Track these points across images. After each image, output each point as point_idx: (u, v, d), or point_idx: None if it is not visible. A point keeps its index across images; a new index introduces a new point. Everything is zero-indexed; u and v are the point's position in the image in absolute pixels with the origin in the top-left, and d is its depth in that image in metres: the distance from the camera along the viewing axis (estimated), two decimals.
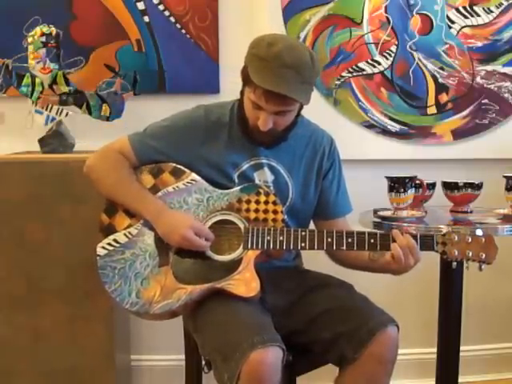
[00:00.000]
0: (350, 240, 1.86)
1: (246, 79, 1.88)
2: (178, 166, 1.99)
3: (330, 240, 1.87)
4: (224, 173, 1.99)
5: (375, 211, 2.38)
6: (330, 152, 2.08)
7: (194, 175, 1.99)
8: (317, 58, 1.88)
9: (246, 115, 1.94)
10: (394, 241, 1.84)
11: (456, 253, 1.83)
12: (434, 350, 2.46)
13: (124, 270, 1.94)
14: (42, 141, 2.52)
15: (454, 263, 1.85)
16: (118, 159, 2.01)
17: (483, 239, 1.83)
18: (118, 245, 1.97)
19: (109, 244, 1.97)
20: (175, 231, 1.89)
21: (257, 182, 1.99)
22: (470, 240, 1.83)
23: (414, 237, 1.85)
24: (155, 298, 1.89)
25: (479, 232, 1.85)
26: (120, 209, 2.00)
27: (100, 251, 1.97)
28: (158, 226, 1.93)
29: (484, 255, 1.82)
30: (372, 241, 1.85)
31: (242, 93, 1.95)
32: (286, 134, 1.97)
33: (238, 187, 1.97)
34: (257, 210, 1.94)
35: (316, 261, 2.11)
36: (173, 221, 1.91)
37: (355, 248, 1.86)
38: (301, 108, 1.95)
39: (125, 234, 1.98)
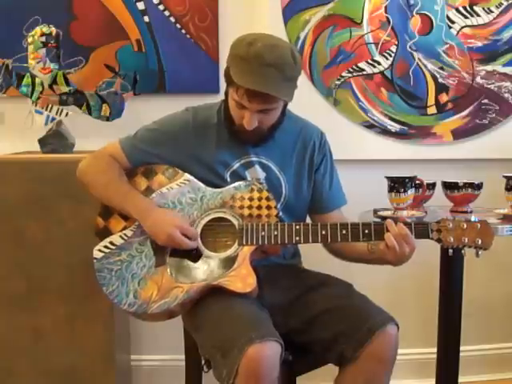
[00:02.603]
0: (344, 232, 1.87)
1: (229, 80, 1.90)
2: (171, 167, 2.02)
3: (324, 233, 1.88)
4: (216, 172, 2.00)
5: (375, 211, 2.38)
6: (320, 145, 2.09)
7: (186, 175, 2.00)
8: (298, 55, 1.90)
9: (231, 115, 1.96)
10: (388, 231, 1.84)
11: (451, 239, 1.82)
12: (434, 350, 2.46)
13: (121, 271, 1.95)
14: (42, 141, 2.52)
15: (451, 250, 1.85)
16: (108, 162, 2.03)
17: (478, 225, 1.82)
18: (114, 247, 1.98)
19: (105, 247, 1.98)
20: (161, 230, 1.90)
21: (249, 179, 2.00)
22: (465, 226, 1.82)
23: (409, 225, 1.85)
24: (153, 297, 1.89)
25: (474, 218, 1.84)
26: (115, 212, 2.01)
27: (97, 254, 1.98)
28: (146, 226, 1.94)
29: (480, 241, 1.81)
30: (366, 231, 1.86)
31: (226, 93, 1.97)
32: (272, 132, 1.99)
33: (231, 185, 1.98)
34: (250, 207, 1.95)
35: (315, 260, 2.11)
36: (159, 220, 1.92)
37: (350, 239, 1.87)
38: (285, 105, 1.97)
39: (120, 236, 1.98)
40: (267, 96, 1.83)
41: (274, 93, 1.83)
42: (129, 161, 2.04)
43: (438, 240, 1.84)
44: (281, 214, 1.99)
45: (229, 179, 2.00)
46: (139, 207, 1.96)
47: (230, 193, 1.97)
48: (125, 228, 1.99)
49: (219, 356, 1.75)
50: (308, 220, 2.12)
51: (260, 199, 1.95)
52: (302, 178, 2.06)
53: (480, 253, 1.82)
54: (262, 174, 2.02)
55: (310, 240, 1.89)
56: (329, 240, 1.89)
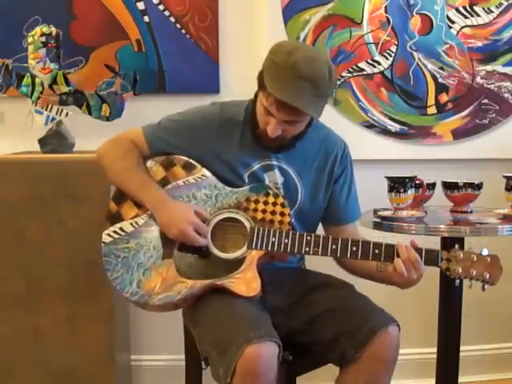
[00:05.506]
0: (354, 248, 1.85)
1: (261, 84, 1.87)
2: (190, 161, 2.00)
3: (334, 247, 1.86)
4: (235, 171, 1.99)
5: (375, 211, 2.38)
6: (342, 157, 2.07)
7: (204, 171, 1.99)
8: (334, 72, 1.86)
9: (256, 117, 1.94)
10: (398, 254, 1.82)
11: (460, 270, 1.80)
12: (434, 350, 2.46)
13: (127, 259, 1.94)
14: (42, 141, 2.52)
15: (457, 281, 1.83)
16: (128, 148, 2.02)
17: (488, 259, 1.80)
18: (123, 233, 1.97)
19: (114, 232, 1.97)
20: (174, 225, 1.90)
21: (267, 183, 1.99)
22: (475, 259, 1.80)
23: (419, 251, 1.83)
24: (156, 289, 1.89)
25: (485, 251, 1.82)
26: (128, 198, 2.00)
27: (105, 238, 1.97)
28: (158, 217, 1.94)
29: (488, 275, 1.79)
30: (376, 251, 1.84)
31: (256, 95, 1.94)
32: (295, 142, 1.96)
33: (248, 186, 1.97)
34: (264, 211, 1.93)
35: (317, 261, 2.10)
36: (173, 213, 1.91)
37: (359, 257, 1.85)
38: (312, 119, 1.93)
39: (131, 224, 1.98)
40: (296, 109, 1.80)
41: (303, 108, 1.80)
42: (149, 148, 2.02)
43: (447, 269, 1.82)
44: (293, 219, 1.98)
45: (247, 180, 1.98)
46: (154, 198, 1.95)
47: (245, 194, 1.95)
48: (137, 215, 1.98)
49: (215, 354, 1.75)
50: (319, 230, 2.10)
51: (275, 204, 1.93)
52: (319, 186, 2.04)
53: (486, 287, 1.81)
54: (280, 179, 2.00)
55: (320, 253, 1.87)
56: (338, 255, 1.87)
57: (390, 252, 1.84)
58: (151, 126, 2.05)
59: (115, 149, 2.04)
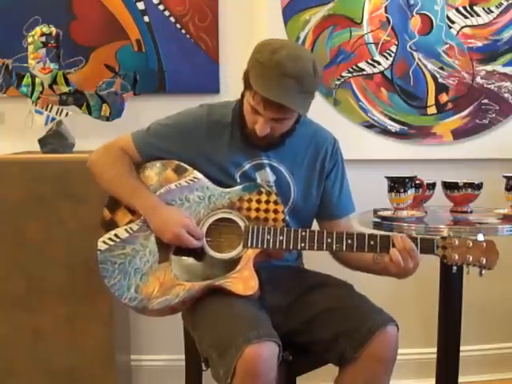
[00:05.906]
0: (349, 241, 1.86)
1: (247, 84, 1.88)
2: (181, 164, 2.01)
3: (329, 241, 1.87)
4: (226, 172, 1.99)
5: (375, 211, 2.38)
6: (332, 152, 2.08)
7: (196, 173, 2.00)
8: (320, 68, 1.87)
9: (244, 117, 1.95)
10: (394, 244, 1.83)
11: (456, 257, 1.81)
12: (434, 350, 2.46)
13: (124, 265, 1.95)
14: (42, 141, 2.52)
15: (454, 267, 1.84)
16: (119, 155, 2.03)
17: (484, 244, 1.81)
18: (118, 240, 1.97)
19: (110, 239, 1.98)
20: (168, 228, 1.91)
21: (258, 181, 2.00)
22: (470, 245, 1.81)
23: (414, 240, 1.83)
24: (154, 293, 1.90)
25: (480, 237, 1.82)
26: (122, 204, 2.01)
27: (101, 246, 1.97)
28: (152, 222, 1.94)
29: (484, 260, 1.80)
30: (372, 243, 1.85)
31: (242, 95, 1.95)
32: (284, 139, 1.97)
33: (240, 186, 1.97)
34: (258, 210, 1.94)
35: (316, 261, 2.11)
36: (166, 218, 1.92)
37: (355, 249, 1.86)
38: (300, 115, 1.94)
39: (126, 230, 1.98)
40: (283, 107, 1.81)
41: (290, 105, 1.81)
42: (139, 154, 2.04)
43: (443, 256, 1.83)
44: (287, 217, 1.98)
45: (239, 180, 1.99)
46: (146, 204, 1.96)
47: (237, 194, 1.96)
48: (131, 221, 1.99)
49: (216, 355, 1.75)
50: (314, 225, 2.11)
51: (268, 202, 1.94)
52: (311, 182, 2.05)
53: (483, 272, 1.81)
54: (272, 177, 2.01)
55: (315, 247, 1.88)
56: (334, 248, 1.88)
57: (386, 242, 1.84)
58: (140, 132, 2.06)
59: (106, 156, 2.06)
